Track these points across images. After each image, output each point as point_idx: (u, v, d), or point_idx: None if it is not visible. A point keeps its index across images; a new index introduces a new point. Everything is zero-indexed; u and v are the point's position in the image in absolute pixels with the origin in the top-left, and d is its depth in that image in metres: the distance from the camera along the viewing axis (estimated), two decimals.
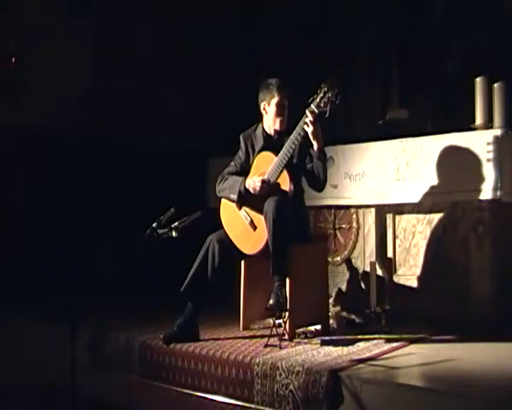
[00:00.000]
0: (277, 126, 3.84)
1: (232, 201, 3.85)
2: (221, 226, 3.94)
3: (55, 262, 4.95)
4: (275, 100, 3.81)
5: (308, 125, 3.60)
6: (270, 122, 3.87)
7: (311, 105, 3.60)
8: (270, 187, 3.72)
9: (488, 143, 3.93)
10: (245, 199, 3.79)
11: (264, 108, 3.88)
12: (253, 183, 3.76)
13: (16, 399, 4.27)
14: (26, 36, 5.25)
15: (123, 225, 4.99)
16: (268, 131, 3.91)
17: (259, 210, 3.70)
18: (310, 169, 3.76)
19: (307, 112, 3.59)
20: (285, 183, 3.69)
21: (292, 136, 3.68)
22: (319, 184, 3.81)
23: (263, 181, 3.73)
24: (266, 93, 3.85)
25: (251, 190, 3.76)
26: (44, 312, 4.58)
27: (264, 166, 3.79)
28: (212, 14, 6.41)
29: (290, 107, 3.83)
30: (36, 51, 5.26)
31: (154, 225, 3.38)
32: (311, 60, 6.04)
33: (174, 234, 3.39)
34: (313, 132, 3.61)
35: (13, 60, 5.18)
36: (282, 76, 3.88)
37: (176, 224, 3.41)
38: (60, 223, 5.20)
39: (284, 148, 3.69)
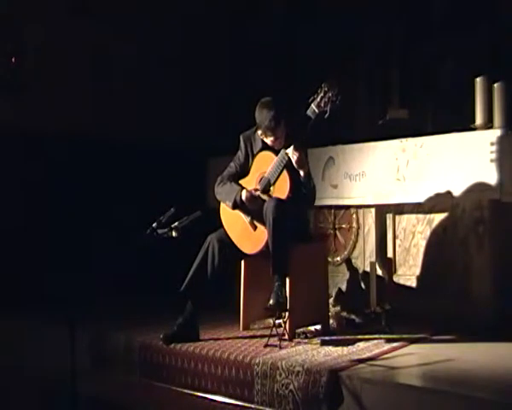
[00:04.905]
0: (275, 148, 3.83)
1: (228, 206, 3.85)
2: (221, 226, 3.94)
3: (55, 262, 4.96)
4: (269, 139, 3.77)
5: (293, 155, 3.58)
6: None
7: (292, 147, 3.58)
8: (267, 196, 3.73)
9: (488, 143, 3.94)
10: (240, 207, 3.80)
11: (261, 134, 3.83)
12: (251, 197, 3.74)
13: (16, 399, 4.27)
14: (25, 36, 5.25)
15: (123, 224, 4.99)
16: None
17: (258, 212, 3.70)
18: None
19: (291, 151, 3.58)
20: (285, 183, 3.68)
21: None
22: (307, 203, 3.86)
23: (261, 198, 3.72)
24: (261, 125, 3.76)
25: (246, 203, 3.76)
26: (44, 312, 4.58)
27: (264, 166, 3.78)
28: (212, 13, 6.42)
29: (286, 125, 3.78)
30: (36, 51, 5.27)
31: (154, 225, 3.38)
32: (311, 60, 6.05)
33: (174, 234, 3.39)
34: (297, 161, 3.59)
35: (13, 60, 5.18)
36: (276, 100, 3.77)
37: (176, 224, 3.41)
38: (60, 223, 5.20)
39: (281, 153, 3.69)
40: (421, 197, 4.25)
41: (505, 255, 4.15)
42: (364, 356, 3.27)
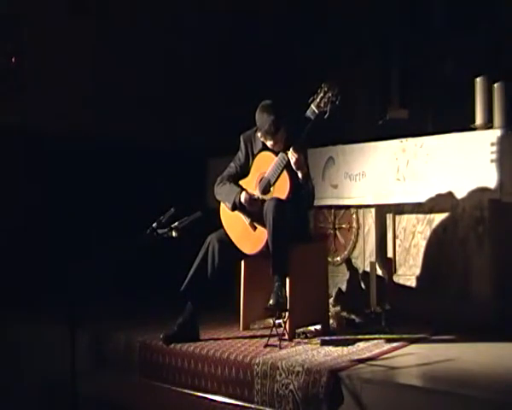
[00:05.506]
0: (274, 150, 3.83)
1: (227, 207, 3.85)
2: (221, 226, 3.94)
3: (55, 263, 4.95)
4: (268, 142, 3.77)
5: (292, 156, 3.58)
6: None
7: (291, 149, 3.58)
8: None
9: (488, 143, 3.94)
10: (239, 209, 3.80)
11: (260, 137, 3.83)
12: (250, 199, 3.74)
13: (17, 399, 4.27)
14: (25, 36, 5.25)
15: (123, 224, 4.99)
16: None
17: (257, 213, 3.70)
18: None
19: (290, 153, 3.58)
20: (285, 183, 3.68)
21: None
22: (305, 204, 3.85)
23: (261, 200, 3.72)
24: (260, 129, 3.76)
25: (245, 205, 3.75)
26: (44, 312, 4.58)
27: (264, 166, 3.78)
28: (211, 12, 6.42)
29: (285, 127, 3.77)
30: (36, 51, 5.27)
31: (154, 225, 3.37)
32: (311, 60, 6.05)
33: (174, 234, 3.39)
34: (295, 163, 3.59)
35: (13, 60, 5.18)
36: (277, 104, 3.75)
37: (176, 224, 3.40)
38: (59, 223, 5.20)
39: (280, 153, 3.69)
40: (421, 197, 4.25)
41: (505, 255, 4.15)
42: (364, 356, 3.27)
